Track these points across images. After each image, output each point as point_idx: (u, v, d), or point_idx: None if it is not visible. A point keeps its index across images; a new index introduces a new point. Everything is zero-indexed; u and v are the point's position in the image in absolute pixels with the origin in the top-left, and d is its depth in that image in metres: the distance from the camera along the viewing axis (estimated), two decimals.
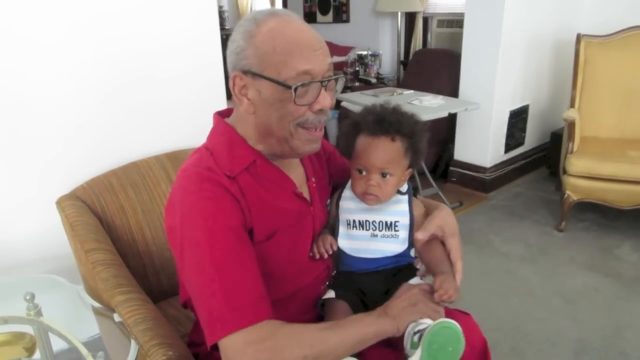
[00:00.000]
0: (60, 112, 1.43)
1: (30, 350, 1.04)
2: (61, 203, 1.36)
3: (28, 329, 1.14)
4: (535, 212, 2.90)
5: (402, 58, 4.29)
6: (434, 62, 3.50)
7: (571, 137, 2.52)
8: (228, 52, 0.88)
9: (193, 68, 1.66)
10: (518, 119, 3.15)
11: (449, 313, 1.13)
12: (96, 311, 1.25)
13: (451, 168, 3.28)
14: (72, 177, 1.42)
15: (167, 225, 0.89)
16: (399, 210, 1.01)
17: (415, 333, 0.86)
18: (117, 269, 1.17)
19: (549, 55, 3.25)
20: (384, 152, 0.95)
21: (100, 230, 1.32)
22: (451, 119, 3.18)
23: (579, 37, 2.76)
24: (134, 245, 1.43)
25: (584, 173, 2.46)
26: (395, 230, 1.00)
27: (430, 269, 1.02)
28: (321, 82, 0.84)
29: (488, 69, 2.91)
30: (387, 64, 4.42)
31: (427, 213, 1.06)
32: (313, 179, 1.03)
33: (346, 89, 3.84)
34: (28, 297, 1.17)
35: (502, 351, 1.80)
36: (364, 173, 0.98)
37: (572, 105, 2.79)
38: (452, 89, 3.17)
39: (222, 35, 1.74)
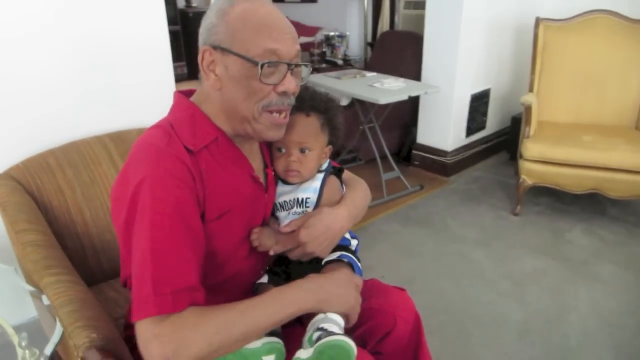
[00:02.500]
0: None
1: None
2: None
3: None
4: (493, 196, 2.95)
5: (369, 39, 4.25)
6: (399, 44, 3.49)
7: (528, 121, 2.56)
8: (200, 28, 0.89)
9: (138, 47, 1.62)
10: (479, 102, 3.18)
11: (386, 288, 1.15)
12: (31, 293, 1.22)
13: (414, 151, 3.30)
14: (9, 157, 1.38)
15: (114, 196, 0.88)
16: (312, 187, 1.01)
17: (317, 329, 0.86)
18: (47, 250, 1.15)
19: (510, 39, 3.27)
20: (300, 127, 0.98)
21: (34, 210, 1.29)
22: (414, 102, 3.18)
23: (537, 21, 2.78)
24: (73, 226, 1.40)
25: (538, 157, 2.50)
26: (306, 207, 1.01)
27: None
28: (288, 64, 0.87)
29: (449, 52, 2.91)
30: (355, 45, 4.39)
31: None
32: (272, 168, 1.03)
33: (312, 70, 3.80)
34: None
35: (448, 333, 1.83)
36: (284, 151, 1.00)
37: (530, 90, 2.82)
38: (416, 72, 3.16)
39: (189, 13, 1.69)
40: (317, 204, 1.01)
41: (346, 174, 1.16)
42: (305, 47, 4.30)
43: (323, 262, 1.02)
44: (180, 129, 0.88)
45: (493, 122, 3.42)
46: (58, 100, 1.48)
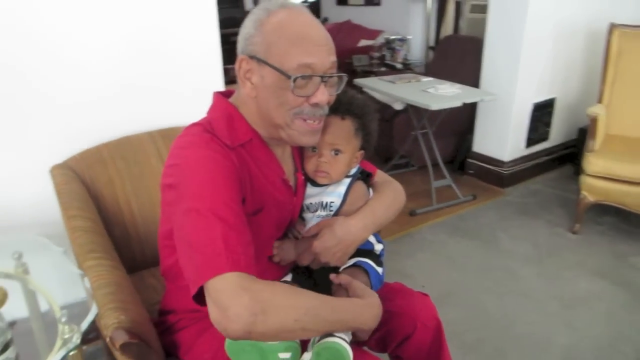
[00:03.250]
0: (60, 86, 1.49)
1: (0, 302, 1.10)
2: (53, 171, 1.44)
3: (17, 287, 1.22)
4: (551, 211, 2.78)
5: (431, 44, 4.16)
6: (461, 49, 3.38)
7: (593, 134, 2.39)
8: (239, 36, 0.91)
9: (190, 48, 1.69)
10: (543, 112, 3.01)
11: (409, 292, 1.15)
12: (80, 275, 1.32)
13: (469, 160, 3.19)
14: (69, 148, 1.49)
15: (164, 183, 0.89)
16: (337, 191, 1.02)
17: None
18: (94, 235, 1.22)
19: (581, 46, 3.07)
20: (334, 129, 0.99)
21: (86, 198, 1.38)
22: (472, 110, 3.08)
23: (611, 27, 2.59)
24: (120, 215, 1.49)
25: (602, 173, 2.34)
26: (329, 211, 1.01)
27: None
28: (322, 77, 0.87)
29: (511, 59, 2.78)
30: (417, 49, 4.30)
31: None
32: (302, 172, 1.06)
33: (370, 73, 3.78)
34: (16, 256, 1.26)
35: (485, 350, 1.76)
36: (316, 150, 1.01)
37: (599, 101, 2.63)
38: (477, 78, 3.05)
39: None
40: (340, 209, 1.01)
41: (380, 176, 1.14)
42: (365, 50, 4.28)
43: (341, 269, 1.02)
44: (218, 127, 0.91)
45: (558, 133, 3.22)
46: (115, 98, 1.59)
